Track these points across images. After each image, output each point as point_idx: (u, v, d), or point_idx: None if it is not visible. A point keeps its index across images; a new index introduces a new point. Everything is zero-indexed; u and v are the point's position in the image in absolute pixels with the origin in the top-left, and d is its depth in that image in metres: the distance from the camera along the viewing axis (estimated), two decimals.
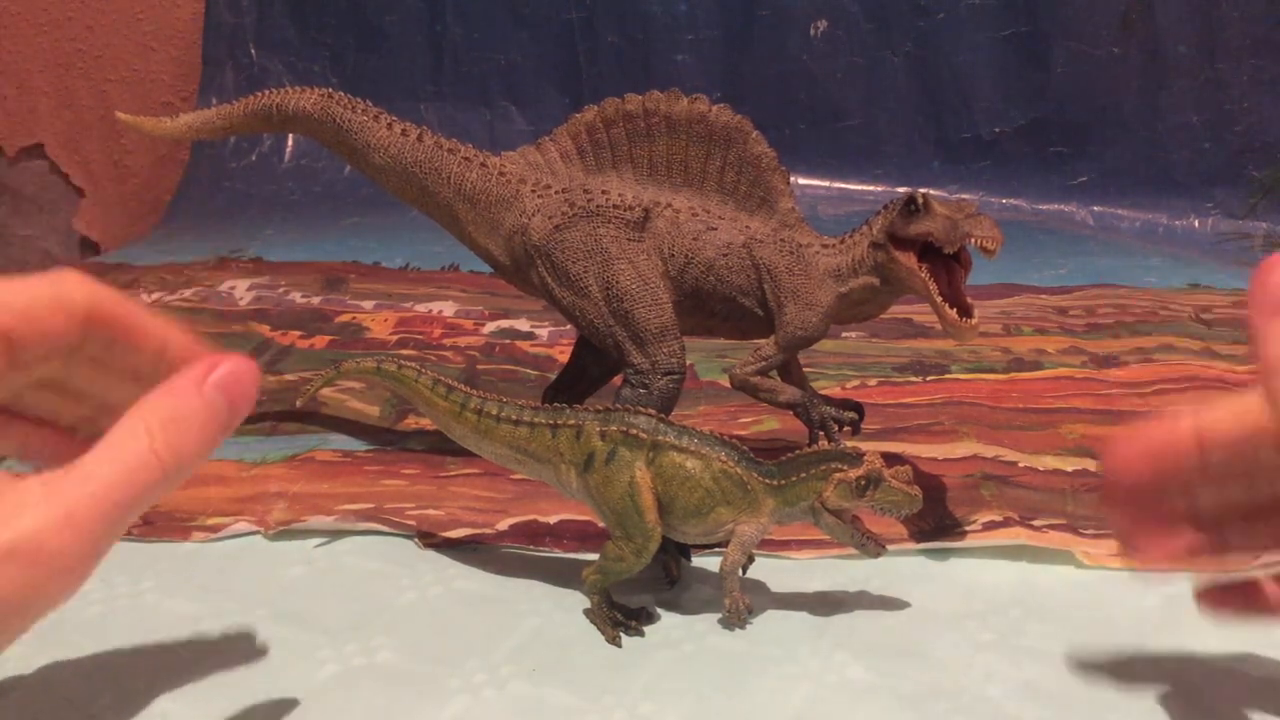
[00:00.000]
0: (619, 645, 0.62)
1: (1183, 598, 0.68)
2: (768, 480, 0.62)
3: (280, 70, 1.88)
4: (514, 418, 0.65)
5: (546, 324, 1.18)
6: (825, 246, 0.77)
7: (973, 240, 0.67)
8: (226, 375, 0.44)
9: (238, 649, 0.62)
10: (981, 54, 1.78)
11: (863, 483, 0.60)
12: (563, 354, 1.01)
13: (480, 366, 1.07)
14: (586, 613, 0.65)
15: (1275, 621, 0.55)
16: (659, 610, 0.65)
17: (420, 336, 1.15)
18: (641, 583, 0.67)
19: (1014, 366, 1.07)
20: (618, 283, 0.76)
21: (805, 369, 0.83)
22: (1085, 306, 1.27)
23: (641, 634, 0.63)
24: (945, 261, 0.70)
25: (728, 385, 0.79)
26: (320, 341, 1.14)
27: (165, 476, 0.42)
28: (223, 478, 0.82)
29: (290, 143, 1.85)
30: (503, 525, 0.75)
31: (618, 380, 0.79)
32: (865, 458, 0.61)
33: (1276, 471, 0.47)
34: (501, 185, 0.79)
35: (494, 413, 0.65)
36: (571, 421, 0.63)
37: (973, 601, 0.67)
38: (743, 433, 0.90)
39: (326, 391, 0.96)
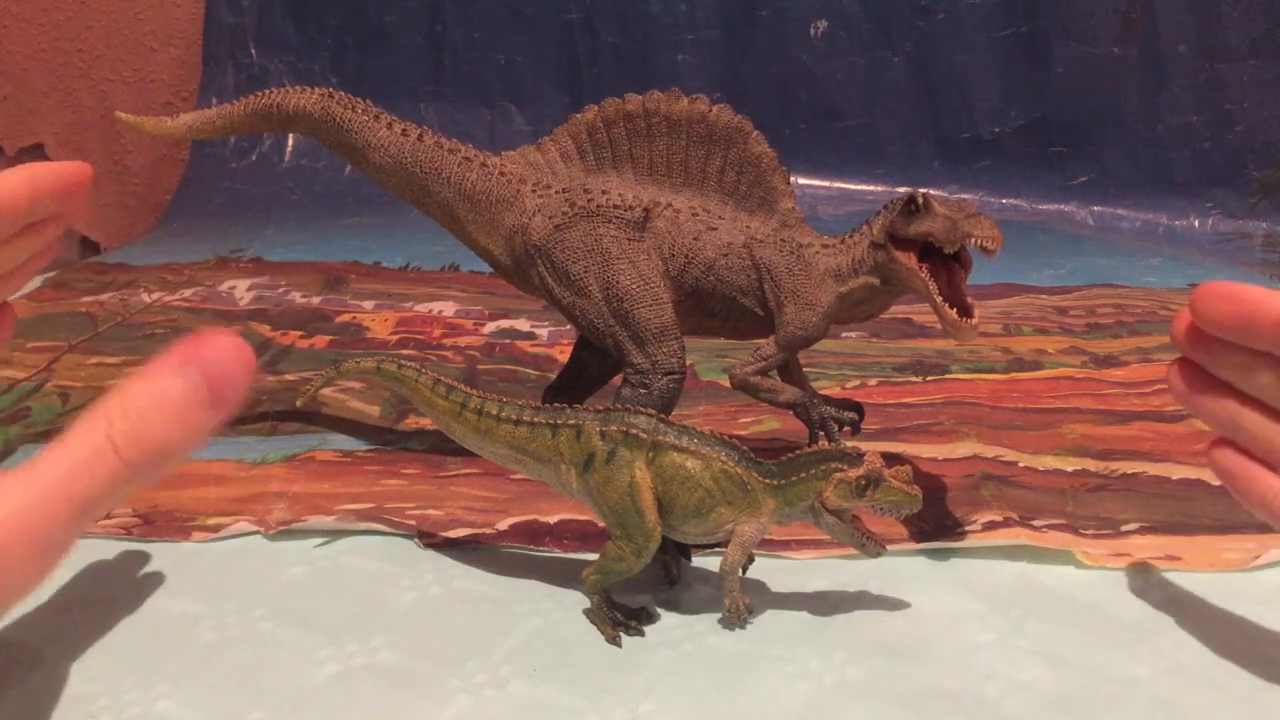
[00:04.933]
0: (619, 645, 0.62)
1: (1183, 598, 0.68)
2: (768, 480, 0.62)
3: (280, 70, 1.88)
4: (514, 418, 0.65)
5: (546, 324, 1.18)
6: (825, 246, 0.77)
7: (973, 240, 0.67)
8: (208, 357, 0.40)
9: (238, 649, 0.62)
10: (981, 54, 1.77)
11: (863, 483, 0.60)
12: (563, 354, 1.01)
13: (480, 366, 1.07)
14: (586, 613, 0.65)
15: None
16: (659, 610, 0.65)
17: (420, 336, 1.15)
18: (641, 583, 0.67)
19: (1014, 366, 1.07)
20: (618, 282, 0.76)
21: (805, 369, 0.83)
22: (1085, 306, 1.27)
23: (641, 634, 0.63)
24: (945, 261, 0.70)
25: (728, 385, 0.79)
26: (320, 341, 1.14)
27: (128, 470, 0.39)
28: (223, 478, 0.82)
29: (290, 143, 1.85)
30: (503, 525, 0.75)
31: (618, 380, 0.79)
32: (865, 458, 0.61)
33: None
34: (502, 185, 0.79)
35: (494, 413, 0.65)
36: (571, 421, 0.63)
37: (973, 601, 0.67)
38: (743, 433, 0.90)
39: (326, 391, 0.96)
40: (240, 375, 0.41)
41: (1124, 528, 0.75)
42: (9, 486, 0.39)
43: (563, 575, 0.68)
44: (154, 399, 0.40)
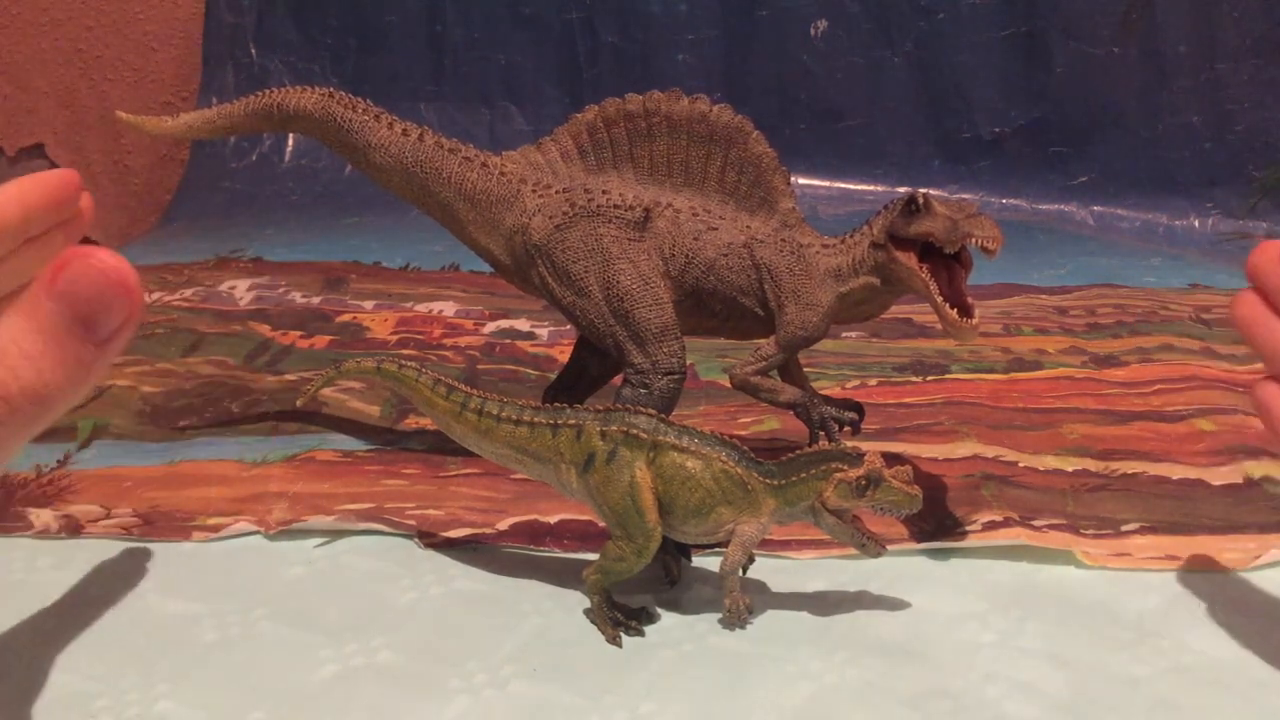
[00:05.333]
0: (619, 645, 0.62)
1: (1183, 598, 0.68)
2: (768, 480, 0.62)
3: (280, 70, 1.88)
4: (514, 418, 0.65)
5: (546, 324, 1.18)
6: (826, 246, 0.77)
7: (973, 240, 0.67)
8: (71, 281, 0.35)
9: (238, 649, 0.62)
10: (981, 54, 1.77)
11: (863, 483, 0.60)
12: (563, 354, 1.01)
13: (480, 366, 1.07)
14: (587, 613, 0.65)
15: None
16: (659, 610, 0.65)
17: (420, 336, 1.15)
18: (641, 583, 0.67)
19: (1014, 366, 1.07)
20: (618, 282, 0.76)
21: (805, 369, 0.83)
22: (1085, 306, 1.27)
23: (642, 634, 0.63)
24: (946, 262, 0.70)
25: (728, 385, 0.79)
26: (320, 341, 1.14)
27: None
28: (223, 478, 0.82)
29: (290, 143, 1.85)
30: (503, 525, 0.75)
31: (618, 380, 0.79)
32: (865, 458, 0.61)
33: None
34: (502, 185, 0.79)
35: (494, 413, 0.65)
36: (572, 421, 0.63)
37: (973, 601, 0.67)
38: (743, 433, 0.90)
39: (327, 391, 0.95)
40: (115, 298, 0.36)
41: (1124, 528, 0.75)
42: None
43: (563, 575, 0.68)
44: (12, 339, 0.35)
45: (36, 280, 0.36)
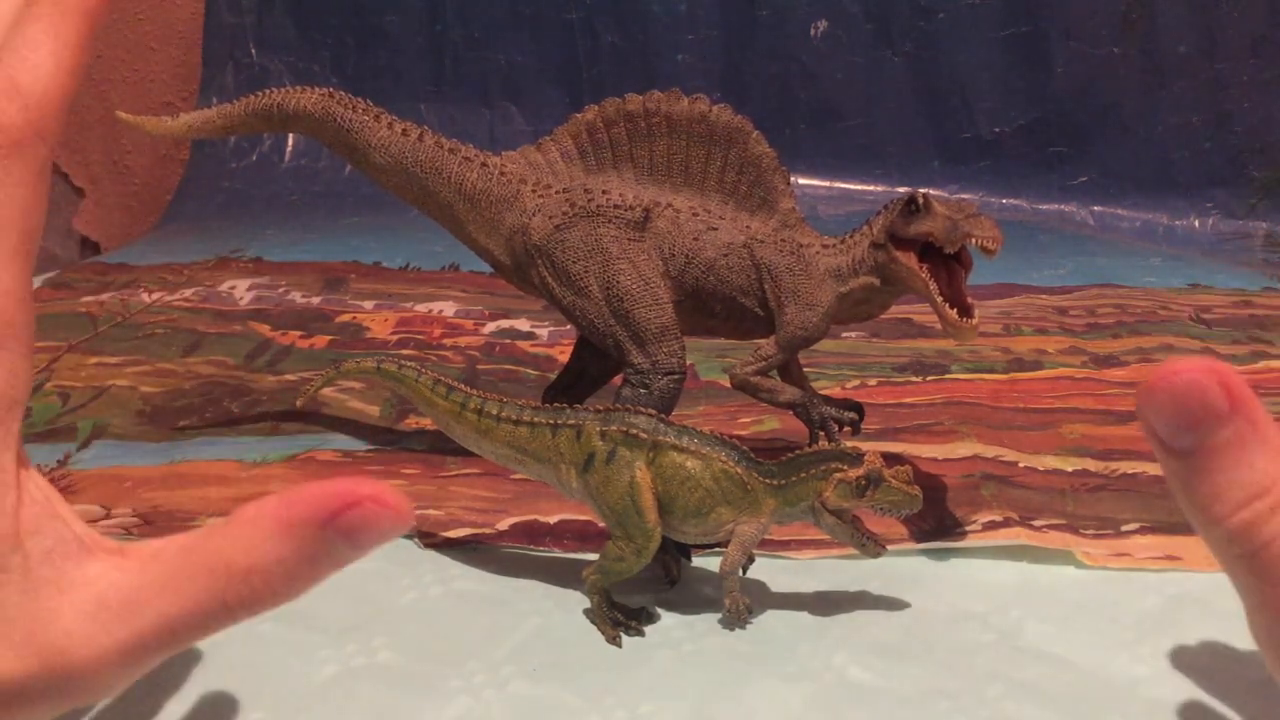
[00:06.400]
0: (619, 645, 0.62)
1: (1183, 598, 0.68)
2: (768, 480, 0.62)
3: (280, 70, 1.88)
4: (514, 418, 0.65)
5: (546, 324, 1.18)
6: (826, 246, 0.77)
7: (973, 240, 0.67)
8: (363, 518, 0.36)
9: (238, 649, 0.62)
10: (981, 54, 1.77)
11: (863, 483, 0.60)
12: (563, 354, 1.01)
13: (480, 366, 1.07)
14: (587, 613, 0.65)
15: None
16: (659, 610, 0.65)
17: (420, 336, 1.15)
18: (641, 583, 0.67)
19: (1014, 366, 1.07)
20: (618, 283, 0.76)
21: (805, 369, 0.83)
22: (1085, 306, 1.27)
23: (641, 634, 0.63)
24: (946, 262, 0.70)
25: (728, 385, 0.79)
26: (320, 341, 1.14)
27: (232, 620, 0.38)
28: (223, 478, 0.82)
29: (290, 143, 1.85)
30: (503, 525, 0.75)
31: (618, 380, 0.79)
32: (865, 458, 0.61)
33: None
34: (502, 185, 0.79)
35: (494, 412, 0.65)
36: (572, 421, 0.63)
37: (973, 601, 0.67)
38: (743, 433, 0.90)
39: (326, 391, 0.96)
40: (383, 533, 0.39)
41: (1124, 528, 0.75)
42: (120, 613, 0.37)
43: (563, 575, 0.68)
44: (277, 560, 0.37)
45: (309, 505, 0.36)
